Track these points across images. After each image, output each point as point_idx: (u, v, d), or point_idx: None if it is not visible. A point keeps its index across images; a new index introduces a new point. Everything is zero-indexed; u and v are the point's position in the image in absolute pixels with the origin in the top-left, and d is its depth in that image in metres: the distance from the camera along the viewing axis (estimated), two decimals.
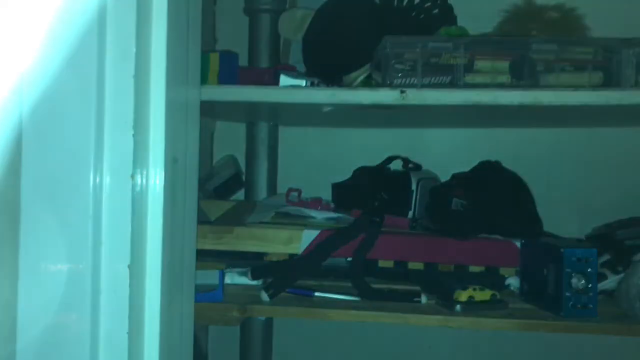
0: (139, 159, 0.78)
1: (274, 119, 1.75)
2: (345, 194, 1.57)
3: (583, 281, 1.19)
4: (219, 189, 1.75)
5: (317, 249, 1.34)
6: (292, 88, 1.29)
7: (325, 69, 1.44)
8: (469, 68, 1.22)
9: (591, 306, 1.20)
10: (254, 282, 1.35)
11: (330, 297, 1.30)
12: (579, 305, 1.19)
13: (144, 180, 0.80)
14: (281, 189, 1.75)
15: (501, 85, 1.20)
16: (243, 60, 1.60)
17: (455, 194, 1.39)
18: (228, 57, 1.32)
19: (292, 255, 1.37)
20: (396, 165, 1.59)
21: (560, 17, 1.43)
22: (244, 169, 1.80)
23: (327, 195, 1.58)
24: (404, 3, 1.50)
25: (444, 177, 1.52)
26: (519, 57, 1.22)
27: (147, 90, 0.81)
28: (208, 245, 1.35)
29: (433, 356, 1.83)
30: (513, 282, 1.34)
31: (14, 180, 0.75)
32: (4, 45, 0.72)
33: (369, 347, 1.83)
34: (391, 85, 1.21)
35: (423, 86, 1.21)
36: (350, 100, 1.21)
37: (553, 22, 1.42)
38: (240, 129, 1.79)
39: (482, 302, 1.25)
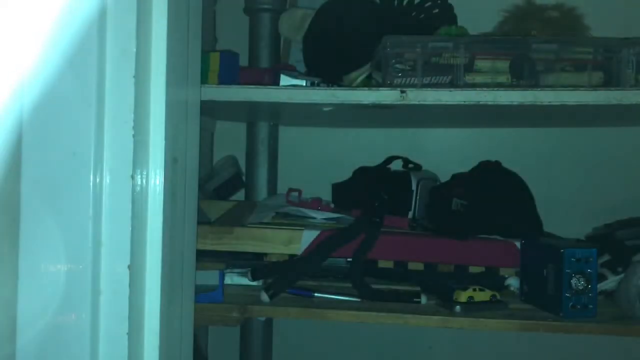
0: (139, 159, 0.78)
1: (274, 119, 1.75)
2: (345, 194, 1.57)
3: (583, 281, 1.19)
4: (219, 189, 1.75)
5: (317, 250, 1.34)
6: (292, 88, 1.29)
7: (326, 68, 1.44)
8: (469, 68, 1.22)
9: (591, 307, 1.20)
10: (254, 283, 1.35)
11: (330, 298, 1.30)
12: (578, 306, 1.19)
13: (144, 180, 0.80)
14: (281, 189, 1.75)
15: (501, 85, 1.20)
16: (243, 60, 1.60)
17: (455, 194, 1.39)
18: (228, 57, 1.32)
19: (292, 256, 1.37)
20: (396, 165, 1.59)
21: (560, 17, 1.43)
22: (244, 169, 1.80)
23: (327, 195, 1.58)
24: (404, 3, 1.50)
25: (444, 177, 1.52)
26: (519, 57, 1.22)
27: (147, 90, 0.81)
28: (208, 246, 1.35)
29: (433, 356, 1.83)
30: (513, 282, 1.34)
31: (14, 180, 0.75)
32: (4, 45, 0.72)
33: (369, 347, 1.83)
34: (391, 85, 1.21)
35: (423, 86, 1.21)
36: (350, 100, 1.21)
37: (553, 22, 1.42)
38: (240, 129, 1.79)
39: (482, 302, 1.25)
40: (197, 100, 0.99)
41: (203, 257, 1.29)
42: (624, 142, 1.73)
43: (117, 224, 0.77)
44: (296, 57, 1.65)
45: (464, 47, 1.22)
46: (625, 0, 1.70)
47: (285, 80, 1.34)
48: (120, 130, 0.77)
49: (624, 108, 1.20)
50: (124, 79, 0.77)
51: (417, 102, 1.19)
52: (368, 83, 1.37)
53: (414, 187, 1.48)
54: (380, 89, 1.21)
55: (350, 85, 1.39)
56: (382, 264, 1.39)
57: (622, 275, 1.27)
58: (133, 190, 0.77)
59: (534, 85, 1.21)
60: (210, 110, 1.55)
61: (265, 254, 1.40)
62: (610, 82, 1.21)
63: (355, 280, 1.31)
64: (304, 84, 1.33)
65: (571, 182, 1.77)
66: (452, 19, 1.48)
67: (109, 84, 0.76)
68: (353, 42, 1.41)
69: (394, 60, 1.22)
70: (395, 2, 1.51)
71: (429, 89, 1.20)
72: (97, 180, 0.76)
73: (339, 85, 1.39)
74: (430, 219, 1.45)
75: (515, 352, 1.76)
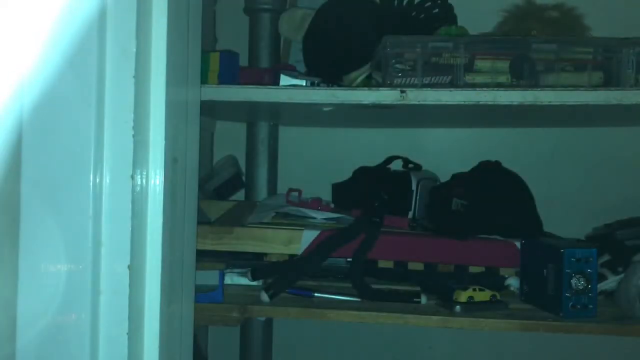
0: (139, 159, 0.78)
1: (274, 119, 1.75)
2: (345, 194, 1.57)
3: (583, 281, 1.19)
4: (219, 189, 1.75)
5: (317, 250, 1.34)
6: (292, 88, 1.29)
7: (326, 68, 1.44)
8: (469, 68, 1.22)
9: (591, 306, 1.20)
10: (254, 283, 1.35)
11: (330, 298, 1.30)
12: (578, 306, 1.19)
13: (144, 180, 0.80)
14: (281, 189, 1.75)
15: (501, 85, 1.20)
16: (243, 60, 1.60)
17: (455, 194, 1.39)
18: (228, 57, 1.32)
19: (292, 256, 1.37)
20: (396, 165, 1.59)
21: (560, 17, 1.43)
22: (244, 169, 1.80)
23: (327, 195, 1.58)
24: (404, 3, 1.50)
25: (444, 177, 1.52)
26: (519, 57, 1.22)
27: (147, 90, 0.81)
28: (208, 246, 1.35)
29: (433, 356, 1.83)
30: (513, 282, 1.34)
31: (14, 180, 0.75)
32: (4, 45, 0.72)
33: (369, 347, 1.83)
34: (391, 85, 1.21)
35: (423, 86, 1.21)
36: (350, 100, 1.21)
37: (553, 22, 1.42)
38: (240, 129, 1.79)
39: (482, 302, 1.25)
40: (197, 100, 0.99)
41: (203, 257, 1.29)
42: (624, 142, 1.73)
43: (117, 224, 0.77)
44: (296, 57, 1.65)
45: (464, 47, 1.22)
46: (625, 0, 1.70)
47: (285, 80, 1.34)
48: (120, 130, 0.77)
49: (624, 108, 1.20)
50: (124, 79, 0.77)
51: (417, 102, 1.19)
52: (368, 83, 1.37)
53: (414, 187, 1.48)
54: (380, 89, 1.21)
55: (350, 85, 1.39)
56: (382, 264, 1.39)
57: (622, 275, 1.27)
58: (133, 190, 0.77)
59: (534, 85, 1.21)
60: (210, 110, 1.55)
61: (265, 254, 1.40)
62: (610, 82, 1.21)
63: (355, 280, 1.31)
64: (304, 84, 1.33)
65: (571, 182, 1.77)
66: (452, 19, 1.49)
67: (109, 84, 0.76)
68: (353, 42, 1.42)
69: (394, 60, 1.22)
70: (395, 2, 1.51)
71: (429, 89, 1.20)
72: (97, 180, 0.76)
73: (339, 85, 1.39)
74: (430, 219, 1.45)
75: (515, 352, 1.76)
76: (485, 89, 1.18)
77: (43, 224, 0.75)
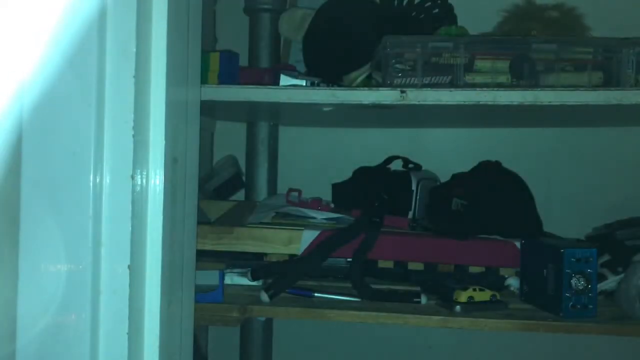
0: (139, 159, 0.78)
1: (274, 119, 1.75)
2: (345, 194, 1.57)
3: (583, 281, 1.19)
4: (219, 189, 1.75)
5: (317, 250, 1.34)
6: (292, 88, 1.29)
7: (326, 68, 1.44)
8: (469, 68, 1.22)
9: (591, 307, 1.20)
10: (254, 283, 1.35)
11: (330, 298, 1.30)
12: (578, 306, 1.19)
13: (144, 180, 0.80)
14: (281, 189, 1.75)
15: (501, 85, 1.20)
16: (243, 60, 1.60)
17: (455, 194, 1.39)
18: (228, 57, 1.32)
19: (292, 256, 1.37)
20: (396, 165, 1.59)
21: (560, 17, 1.43)
22: (244, 169, 1.80)
23: (327, 195, 1.58)
24: (404, 3, 1.50)
25: (444, 177, 1.52)
26: (519, 57, 1.22)
27: (147, 90, 0.81)
28: (208, 246, 1.35)
29: (433, 356, 1.83)
30: (513, 282, 1.34)
31: (14, 180, 0.75)
32: (4, 45, 0.72)
33: (369, 347, 1.83)
34: (391, 85, 1.21)
35: (423, 86, 1.21)
36: (350, 100, 1.21)
37: (553, 22, 1.42)
38: (240, 129, 1.79)
39: (482, 302, 1.25)
40: (197, 100, 0.99)
41: (203, 257, 1.29)
42: (624, 142, 1.73)
43: (117, 224, 0.77)
44: (296, 57, 1.65)
45: (464, 47, 1.22)
46: (625, 0, 1.70)
47: (285, 80, 1.33)
48: (120, 130, 0.77)
49: (624, 108, 1.20)
50: (124, 79, 0.77)
51: (417, 102, 1.19)
52: (368, 83, 1.37)
53: (414, 187, 1.48)
54: (380, 89, 1.21)
55: (350, 85, 1.39)
56: (382, 264, 1.39)
57: (622, 275, 1.27)
58: (133, 190, 0.77)
59: (534, 85, 1.21)
60: (210, 110, 1.55)
61: (265, 254, 1.40)
62: (610, 82, 1.21)
63: (355, 280, 1.31)
64: (304, 84, 1.33)
65: (571, 182, 1.77)
66: (452, 19, 1.49)
67: (109, 84, 0.76)
68: (353, 42, 1.42)
69: (394, 60, 1.22)
70: (395, 2, 1.51)
71: (429, 89, 1.20)
72: (97, 180, 0.76)
73: (339, 85, 1.39)
74: (430, 219, 1.45)
75: (515, 352, 1.76)
76: (485, 89, 1.18)
77: (43, 224, 0.75)
